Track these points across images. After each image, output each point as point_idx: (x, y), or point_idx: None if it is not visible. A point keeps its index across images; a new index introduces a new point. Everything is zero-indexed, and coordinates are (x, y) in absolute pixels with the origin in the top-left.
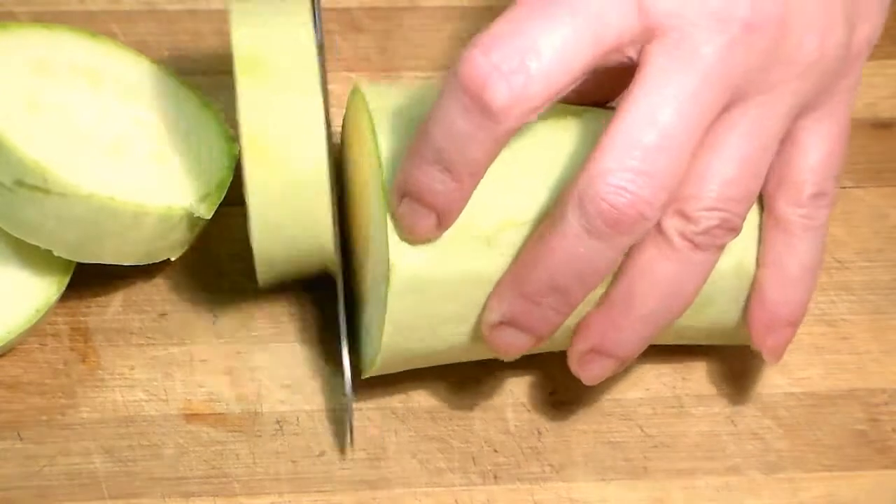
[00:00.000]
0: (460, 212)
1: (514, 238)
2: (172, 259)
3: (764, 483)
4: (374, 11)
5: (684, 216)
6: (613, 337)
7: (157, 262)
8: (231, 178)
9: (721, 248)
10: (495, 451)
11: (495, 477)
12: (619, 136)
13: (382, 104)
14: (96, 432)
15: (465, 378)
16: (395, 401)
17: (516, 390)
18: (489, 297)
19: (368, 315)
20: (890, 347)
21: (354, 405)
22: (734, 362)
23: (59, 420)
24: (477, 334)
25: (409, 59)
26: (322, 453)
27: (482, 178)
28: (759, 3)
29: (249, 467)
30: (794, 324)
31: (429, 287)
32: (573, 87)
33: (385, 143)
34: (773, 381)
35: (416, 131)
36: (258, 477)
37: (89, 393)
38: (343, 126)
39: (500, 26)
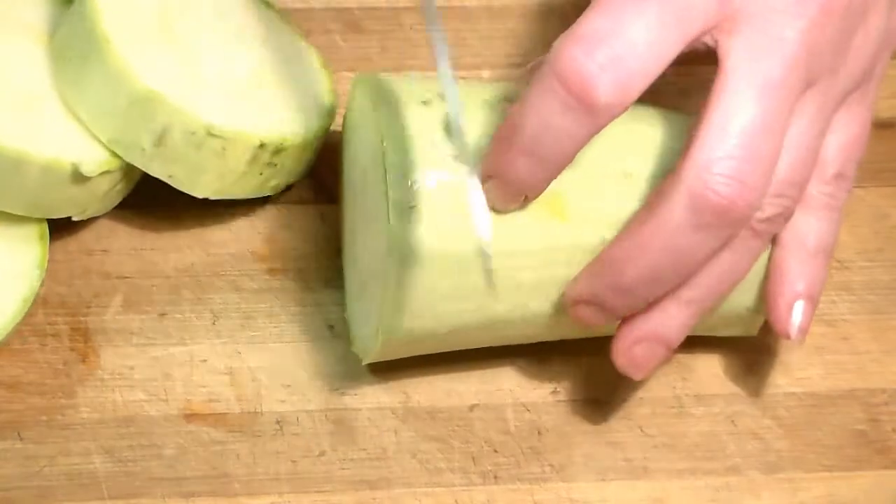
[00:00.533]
0: (544, 190)
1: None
2: (74, 219)
3: (764, 483)
4: (374, 11)
5: None
6: (663, 322)
7: (58, 217)
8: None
9: (772, 235)
10: (495, 451)
11: (495, 477)
12: (716, 126)
13: (379, 87)
14: (96, 432)
15: (465, 378)
16: (395, 401)
17: (516, 390)
18: (580, 273)
19: (367, 299)
20: (890, 347)
21: (354, 406)
22: (734, 362)
23: (59, 420)
24: (477, 315)
25: (408, 59)
26: (322, 453)
27: (571, 158)
28: None
29: (249, 467)
30: (814, 299)
31: (429, 263)
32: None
33: (386, 122)
34: (773, 381)
35: (506, 119)
36: (258, 477)
37: (89, 393)
38: (345, 119)
39: (595, 21)
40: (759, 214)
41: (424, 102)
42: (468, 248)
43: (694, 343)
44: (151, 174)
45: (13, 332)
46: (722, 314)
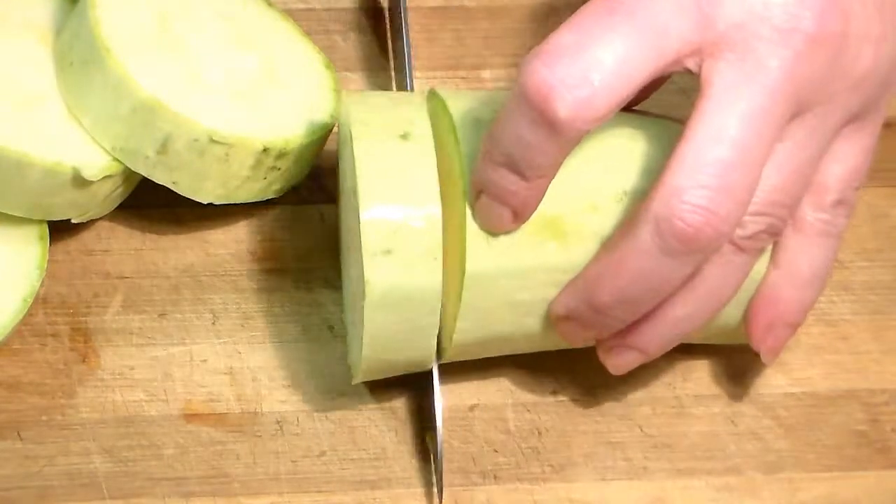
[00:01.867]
0: (536, 206)
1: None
2: (74, 221)
3: (764, 483)
4: (374, 11)
5: None
6: (647, 333)
7: (57, 220)
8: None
9: (761, 251)
10: (495, 451)
11: (495, 477)
12: (691, 153)
13: (362, 113)
14: (96, 432)
15: (464, 378)
16: (396, 401)
17: (516, 390)
18: (561, 291)
19: (354, 323)
20: (890, 347)
21: (354, 406)
22: (734, 362)
23: (59, 420)
24: (479, 333)
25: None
26: (322, 453)
27: (554, 176)
28: (822, 16)
29: (249, 467)
30: (795, 326)
31: (401, 301)
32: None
33: (362, 155)
34: (773, 381)
35: (486, 133)
36: (258, 477)
37: (89, 393)
38: (339, 132)
39: (563, 37)
40: (741, 231)
41: (402, 136)
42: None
43: (694, 344)
44: (155, 181)
45: (13, 332)
46: (713, 326)
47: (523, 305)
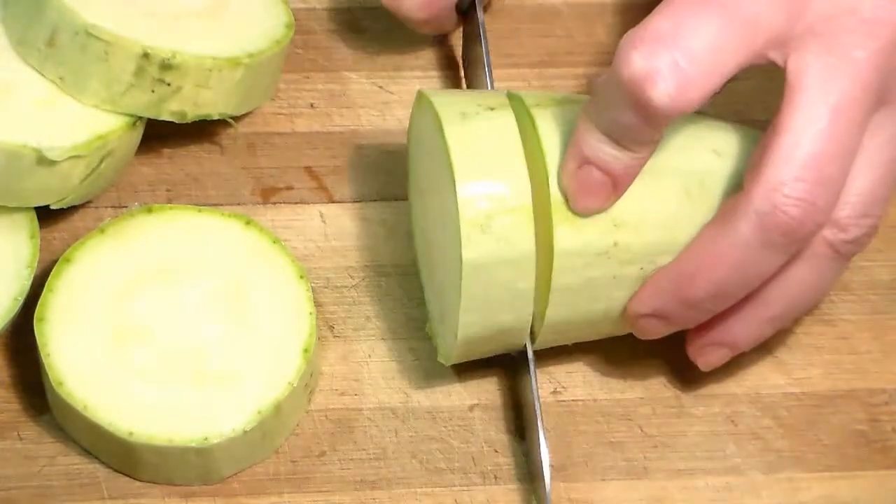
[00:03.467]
0: (633, 179)
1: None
2: (52, 207)
3: (764, 483)
4: (374, 11)
5: (836, 224)
6: (740, 332)
7: (35, 206)
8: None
9: (853, 256)
10: (495, 451)
11: (495, 477)
12: (788, 146)
13: (446, 105)
14: None
15: (465, 378)
16: (396, 401)
17: (516, 390)
18: (642, 289)
19: (444, 301)
20: (890, 347)
21: (354, 406)
22: (734, 363)
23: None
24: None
25: (409, 59)
26: (322, 453)
27: (653, 152)
28: None
29: (250, 467)
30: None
31: (498, 268)
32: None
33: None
34: (773, 382)
35: (583, 111)
36: (258, 477)
37: None
38: (410, 128)
39: (658, 24)
40: (844, 236)
41: (487, 113)
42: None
43: None
44: (47, 77)
45: (6, 331)
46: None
47: (608, 287)
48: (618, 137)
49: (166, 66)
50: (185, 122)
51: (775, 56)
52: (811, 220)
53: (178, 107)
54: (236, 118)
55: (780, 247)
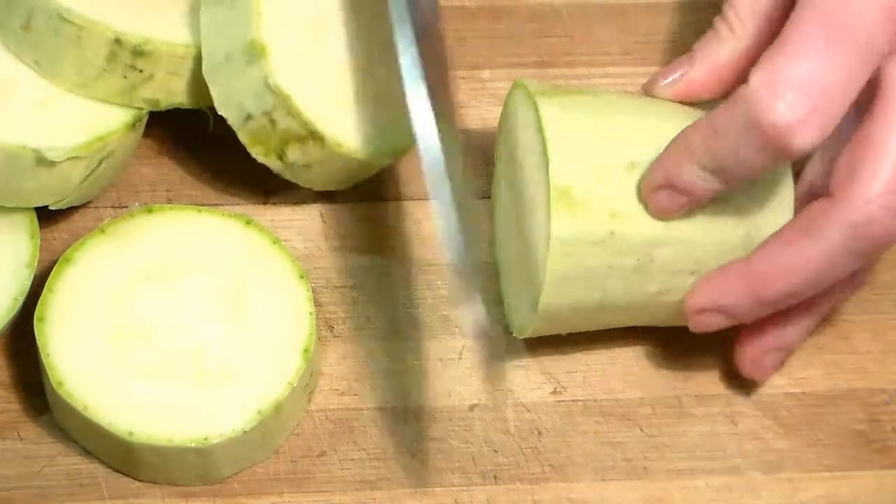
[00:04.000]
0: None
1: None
2: (52, 207)
3: (764, 483)
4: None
5: None
6: (792, 333)
7: (35, 206)
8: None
9: None
10: (495, 451)
11: (495, 477)
12: (883, 155)
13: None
14: None
15: (465, 378)
16: (396, 401)
17: (516, 390)
18: (705, 285)
19: (525, 280)
20: (890, 347)
21: (354, 406)
22: (734, 362)
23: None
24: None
25: None
26: (322, 453)
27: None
28: None
29: (250, 467)
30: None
31: (576, 251)
32: None
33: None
34: (773, 382)
35: (688, 135)
36: (258, 477)
37: None
38: (503, 116)
39: (793, 68)
40: None
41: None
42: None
43: (694, 343)
44: (24, 61)
45: (8, 331)
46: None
47: (604, 277)
48: (730, 171)
49: (138, 52)
50: (158, 110)
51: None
52: None
53: (151, 94)
54: (214, 110)
55: (865, 255)
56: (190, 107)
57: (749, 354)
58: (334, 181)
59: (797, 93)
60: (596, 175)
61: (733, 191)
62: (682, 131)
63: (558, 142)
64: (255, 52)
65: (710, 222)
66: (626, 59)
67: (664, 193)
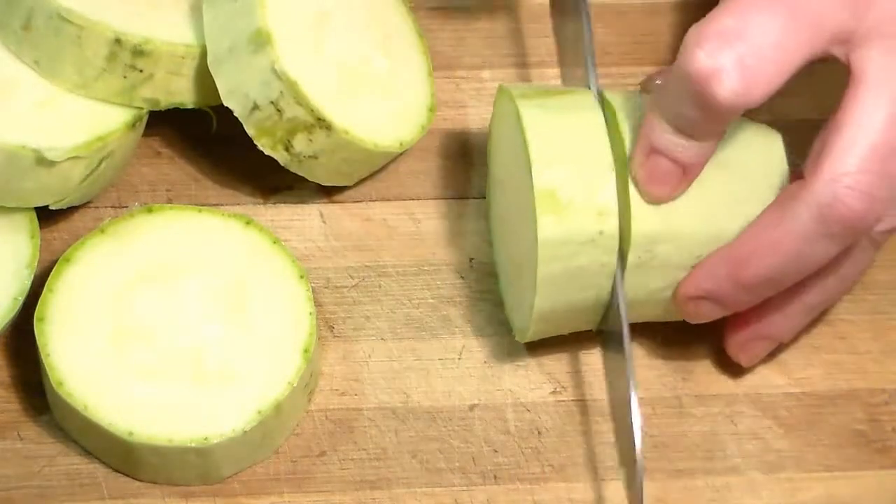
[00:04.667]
0: (702, 167)
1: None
2: (52, 207)
3: (764, 483)
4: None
5: None
6: (780, 323)
7: (35, 206)
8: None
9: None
10: (495, 451)
11: (495, 477)
12: (850, 139)
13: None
14: None
15: (465, 378)
16: (396, 401)
17: (516, 390)
18: (694, 272)
19: (522, 282)
20: (890, 347)
21: (354, 406)
22: (734, 363)
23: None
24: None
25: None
26: (322, 453)
27: (718, 140)
28: None
29: (250, 467)
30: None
31: (566, 252)
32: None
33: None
34: (773, 382)
35: (650, 103)
36: (258, 477)
37: None
38: (492, 120)
39: (723, 21)
40: (882, 226)
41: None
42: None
43: (694, 343)
44: (24, 61)
45: (8, 331)
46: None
47: (597, 275)
48: (684, 129)
49: (138, 52)
50: (158, 109)
51: (838, 52)
52: (871, 212)
53: (151, 94)
54: (216, 109)
55: (838, 238)
56: (191, 106)
57: (736, 338)
58: (340, 173)
59: (718, 41)
60: (580, 175)
61: (729, 184)
62: (651, 96)
63: (540, 145)
64: (260, 40)
65: (706, 216)
66: (626, 59)
67: (652, 162)
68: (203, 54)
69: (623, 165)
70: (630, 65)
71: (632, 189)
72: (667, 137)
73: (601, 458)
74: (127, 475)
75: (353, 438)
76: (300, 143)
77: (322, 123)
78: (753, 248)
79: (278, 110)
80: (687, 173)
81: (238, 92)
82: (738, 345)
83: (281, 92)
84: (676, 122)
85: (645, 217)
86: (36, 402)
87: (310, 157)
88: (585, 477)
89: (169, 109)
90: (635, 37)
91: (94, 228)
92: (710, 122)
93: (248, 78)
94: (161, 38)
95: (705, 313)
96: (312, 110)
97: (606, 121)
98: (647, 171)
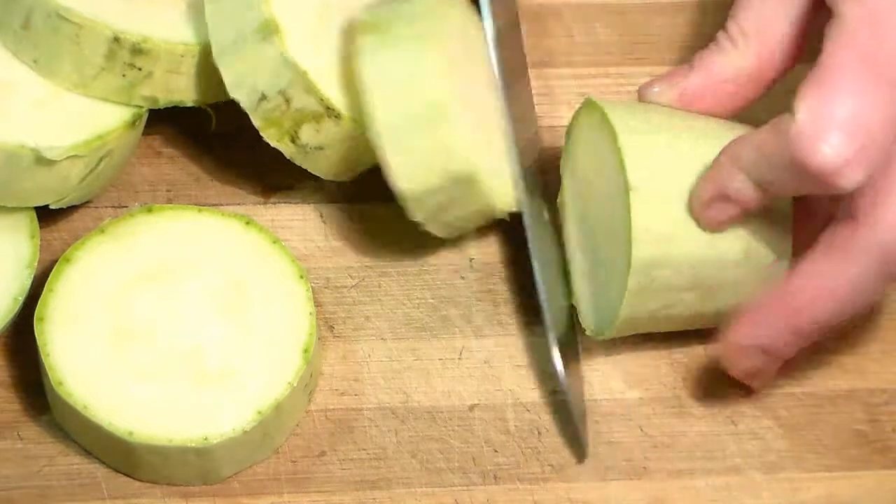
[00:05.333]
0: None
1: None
2: (52, 207)
3: (764, 483)
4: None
5: None
6: (788, 340)
7: (35, 205)
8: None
9: None
10: (495, 451)
11: (495, 477)
12: None
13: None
14: None
15: (465, 378)
16: (395, 401)
17: (516, 390)
18: (744, 323)
19: (604, 285)
20: (890, 347)
21: (354, 406)
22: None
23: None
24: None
25: None
26: (322, 453)
27: None
28: None
29: (250, 467)
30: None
31: (658, 273)
32: None
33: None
34: (773, 382)
35: (737, 149)
36: (258, 477)
37: None
38: (570, 133)
39: (838, 108)
40: None
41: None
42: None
43: (694, 343)
44: (22, 60)
45: (8, 331)
46: (720, 314)
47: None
48: (769, 187)
49: (137, 50)
50: (157, 108)
51: None
52: None
53: (150, 92)
54: (216, 108)
55: (894, 277)
56: (190, 104)
57: (732, 345)
58: (344, 165)
59: (843, 135)
60: (672, 205)
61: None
62: (729, 145)
63: (640, 176)
64: (269, 30)
65: (708, 240)
66: (626, 59)
67: (720, 207)
68: (202, 52)
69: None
70: (630, 65)
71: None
72: (744, 190)
73: (601, 458)
74: (127, 475)
75: (353, 438)
76: (307, 133)
77: (331, 112)
78: (812, 296)
79: (286, 100)
80: (746, 212)
81: (245, 83)
82: (732, 353)
83: (290, 81)
84: (761, 181)
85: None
86: (36, 402)
87: (315, 147)
88: (585, 477)
89: (169, 108)
90: (635, 37)
91: (94, 228)
92: (807, 191)
93: (255, 68)
94: (160, 36)
95: (751, 362)
96: (322, 99)
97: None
98: (711, 215)
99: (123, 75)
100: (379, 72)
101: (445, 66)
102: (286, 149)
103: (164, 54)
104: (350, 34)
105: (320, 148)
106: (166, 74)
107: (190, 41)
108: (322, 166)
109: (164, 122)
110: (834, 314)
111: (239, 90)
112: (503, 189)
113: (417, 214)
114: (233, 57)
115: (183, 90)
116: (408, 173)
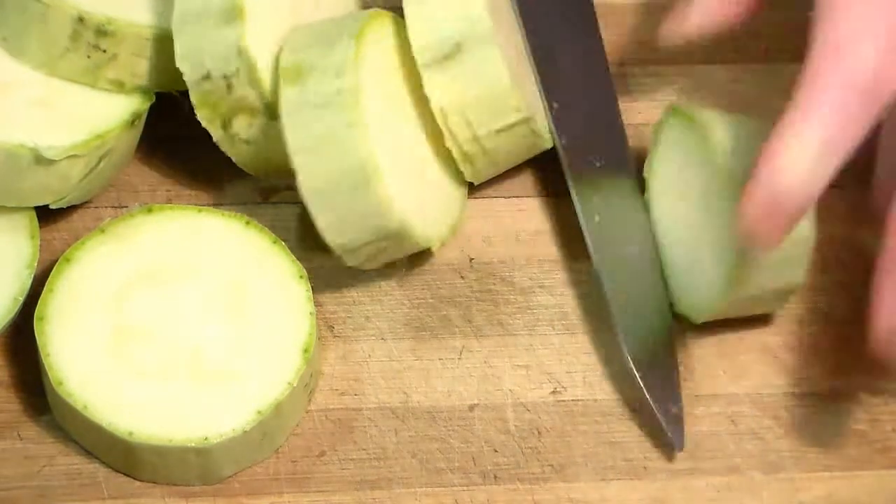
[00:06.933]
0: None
1: None
2: (52, 206)
3: (764, 483)
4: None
5: None
6: None
7: (35, 205)
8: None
9: None
10: (495, 451)
11: (495, 477)
12: None
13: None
14: None
15: (465, 378)
16: (395, 400)
17: (516, 390)
18: (881, 306)
19: (704, 270)
20: None
21: (354, 406)
22: (734, 363)
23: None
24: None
25: None
26: (322, 453)
27: None
28: None
29: (250, 467)
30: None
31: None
32: None
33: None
34: (773, 382)
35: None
36: (258, 477)
37: None
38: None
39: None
40: None
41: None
42: None
43: (694, 343)
44: None
45: (8, 331)
46: (768, 291)
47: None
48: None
49: (101, 31)
50: (123, 92)
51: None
52: None
53: (115, 75)
54: (184, 94)
55: None
56: (156, 90)
57: (884, 332)
58: (269, 165)
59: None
60: None
61: None
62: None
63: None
64: (234, 14)
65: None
66: (627, 59)
67: (765, 221)
68: (170, 37)
69: None
70: (630, 65)
71: None
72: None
73: (601, 458)
74: (127, 475)
75: (353, 438)
76: (239, 124)
77: (268, 111)
78: None
79: (228, 86)
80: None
81: (194, 57)
82: (885, 340)
83: (237, 69)
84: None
85: None
86: (36, 402)
87: (244, 140)
88: (585, 477)
89: (168, 108)
90: (636, 36)
91: (94, 228)
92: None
93: (208, 46)
94: (125, 18)
95: None
96: (263, 95)
97: None
98: (757, 226)
99: (88, 56)
100: (301, 135)
101: (376, 120)
102: (215, 133)
103: (129, 37)
104: (275, 74)
105: (247, 142)
106: (131, 57)
107: (156, 24)
108: (246, 159)
109: (164, 121)
110: None
111: (185, 62)
112: (438, 231)
113: (350, 261)
114: (190, 27)
115: (149, 75)
116: (337, 230)
